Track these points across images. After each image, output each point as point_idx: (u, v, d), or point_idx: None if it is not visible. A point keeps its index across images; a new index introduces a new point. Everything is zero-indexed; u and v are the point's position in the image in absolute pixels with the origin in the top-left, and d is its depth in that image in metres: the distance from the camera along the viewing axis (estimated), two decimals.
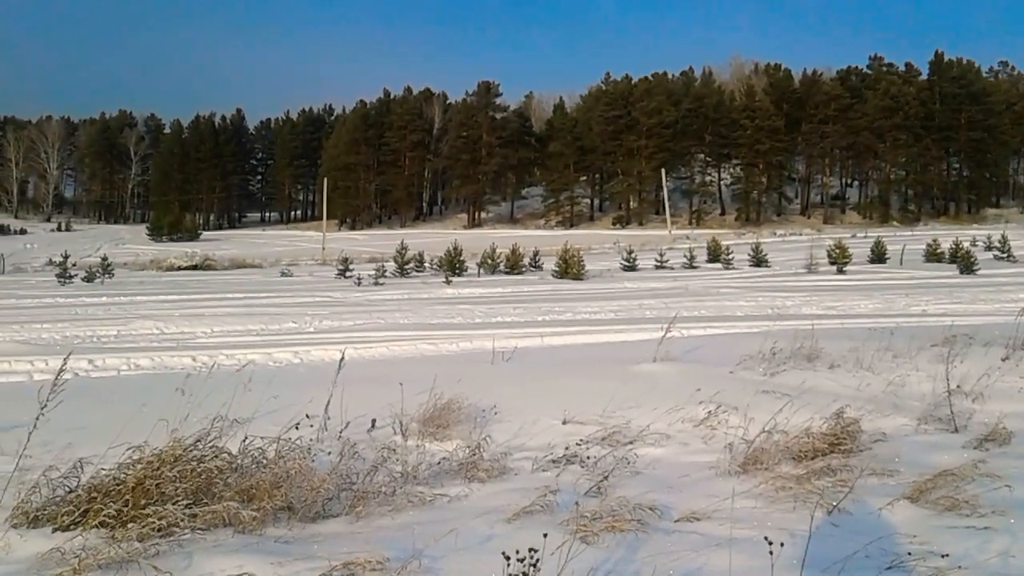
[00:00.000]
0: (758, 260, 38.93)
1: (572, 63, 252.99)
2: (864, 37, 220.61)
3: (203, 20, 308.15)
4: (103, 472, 4.19)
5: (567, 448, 5.63)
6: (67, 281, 32.09)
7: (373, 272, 32.82)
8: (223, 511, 4.00)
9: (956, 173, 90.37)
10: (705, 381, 7.21)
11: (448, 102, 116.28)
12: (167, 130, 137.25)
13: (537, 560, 2.69)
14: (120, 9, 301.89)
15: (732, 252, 40.51)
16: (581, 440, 5.80)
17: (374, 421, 6.07)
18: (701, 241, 52.62)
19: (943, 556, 3.62)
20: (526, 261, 39.14)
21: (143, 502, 3.93)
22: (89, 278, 33.60)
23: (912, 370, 8.13)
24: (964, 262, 31.50)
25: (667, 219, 78.88)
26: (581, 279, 31.67)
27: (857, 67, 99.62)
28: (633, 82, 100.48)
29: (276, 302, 21.82)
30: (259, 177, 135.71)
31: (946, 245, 38.66)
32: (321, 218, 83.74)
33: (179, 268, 46.56)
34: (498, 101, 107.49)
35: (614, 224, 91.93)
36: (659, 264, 38.63)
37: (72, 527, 3.91)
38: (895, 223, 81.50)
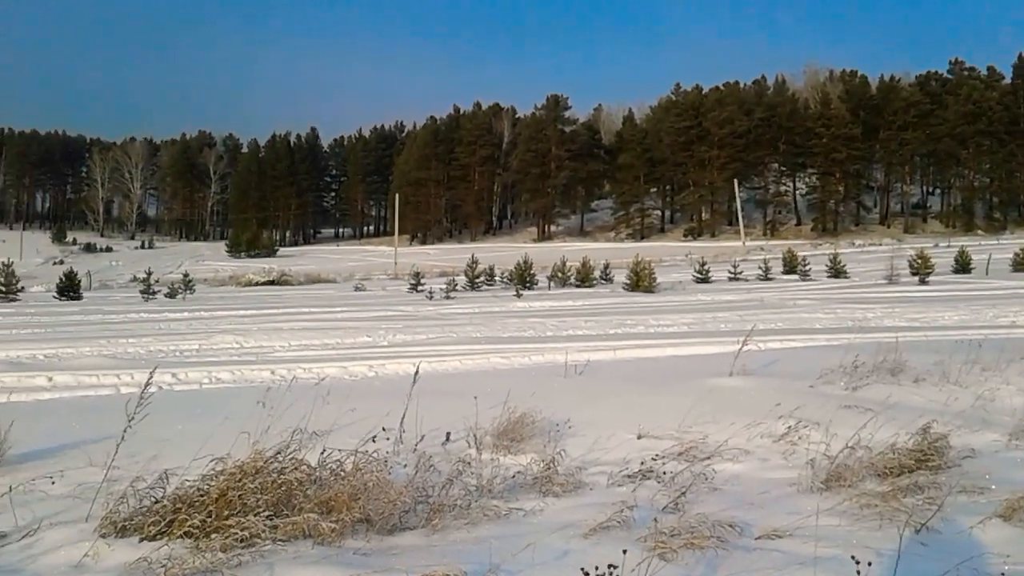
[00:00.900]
0: (836, 271, 38.04)
1: (641, 74, 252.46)
2: (944, 41, 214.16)
3: (278, 42, 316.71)
4: (187, 483, 4.29)
5: (642, 463, 5.55)
6: (151, 297, 33.21)
7: (444, 286, 33.11)
8: (303, 522, 4.05)
9: None
10: (784, 395, 7.05)
11: (517, 116, 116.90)
12: (245, 149, 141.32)
13: None
14: (199, 34, 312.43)
15: (809, 263, 39.70)
16: (657, 455, 5.72)
17: (449, 434, 6.09)
18: (776, 252, 51.68)
19: None
20: (597, 274, 38.97)
21: (226, 513, 4.01)
22: (171, 294, 34.71)
23: (1002, 384, 7.83)
24: None
25: (740, 230, 77.77)
26: (653, 292, 31.40)
27: (937, 72, 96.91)
28: (704, 92, 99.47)
29: (351, 316, 22.16)
30: (333, 194, 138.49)
31: None
32: (393, 233, 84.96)
33: (257, 283, 47.76)
34: (567, 114, 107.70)
35: (686, 236, 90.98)
36: (733, 276, 38.06)
37: (158, 537, 4.01)
38: (980, 232, 78.70)
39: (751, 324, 14.41)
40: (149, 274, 36.18)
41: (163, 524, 4.05)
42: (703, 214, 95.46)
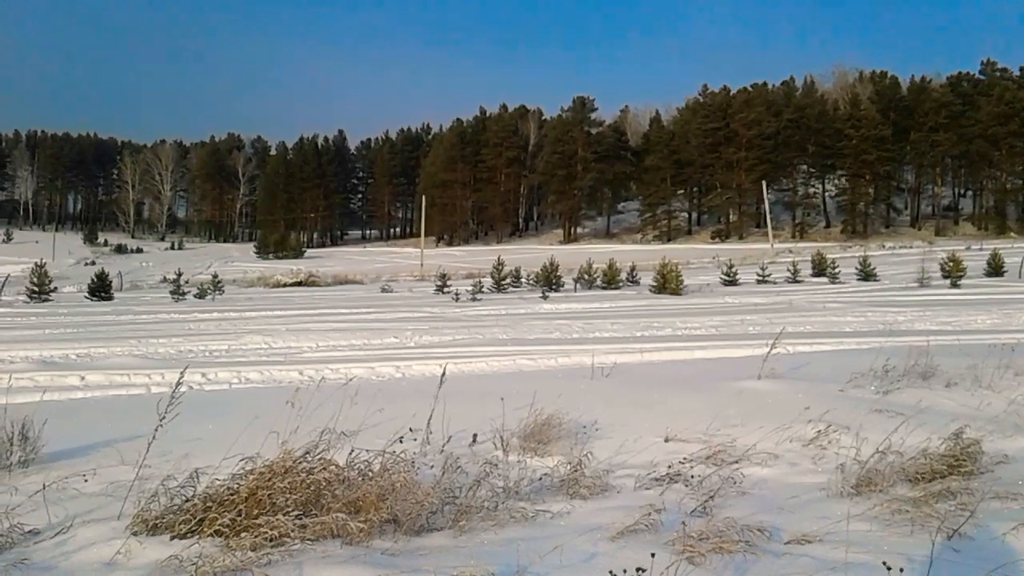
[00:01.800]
0: (866, 274, 37.66)
1: (668, 75, 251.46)
2: (976, 42, 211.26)
3: (305, 45, 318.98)
4: (218, 482, 4.33)
5: (670, 466, 5.52)
6: (180, 298, 33.58)
7: (470, 288, 33.17)
8: (332, 522, 4.07)
9: None
10: (814, 399, 6.99)
11: (543, 118, 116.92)
12: (273, 151, 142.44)
13: None
14: (227, 38, 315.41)
15: (838, 266, 39.34)
16: (685, 458, 5.69)
17: (475, 436, 6.10)
18: (805, 255, 51.28)
19: None
20: (623, 276, 38.89)
21: (256, 512, 4.04)
22: (201, 295, 35.07)
23: None
24: None
25: (769, 232, 77.19)
26: (680, 294, 31.26)
27: (969, 72, 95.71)
28: (731, 93, 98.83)
29: (378, 317, 22.27)
30: (360, 195, 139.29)
31: None
32: (419, 235, 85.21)
33: (285, 285, 48.13)
34: (593, 116, 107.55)
35: (713, 238, 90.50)
36: (761, 278, 37.81)
37: (189, 535, 4.05)
38: (1012, 234, 77.46)
39: (779, 327, 14.31)
40: (179, 275, 36.61)
41: (194, 523, 4.09)
42: (730, 216, 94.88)
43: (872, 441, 5.64)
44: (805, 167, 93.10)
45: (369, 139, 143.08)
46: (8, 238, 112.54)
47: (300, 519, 4.04)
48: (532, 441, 6.05)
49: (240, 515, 4.03)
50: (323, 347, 15.67)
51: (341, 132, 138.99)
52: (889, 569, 2.85)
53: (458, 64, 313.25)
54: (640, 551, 3.84)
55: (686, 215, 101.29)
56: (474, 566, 3.64)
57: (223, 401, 8.84)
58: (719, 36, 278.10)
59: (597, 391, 8.41)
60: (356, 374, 11.41)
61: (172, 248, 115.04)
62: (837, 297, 27.72)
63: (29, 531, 4.20)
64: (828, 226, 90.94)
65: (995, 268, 37.36)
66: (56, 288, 36.53)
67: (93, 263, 75.81)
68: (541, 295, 32.00)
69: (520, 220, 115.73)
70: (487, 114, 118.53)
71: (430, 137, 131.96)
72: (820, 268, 40.77)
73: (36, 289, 33.77)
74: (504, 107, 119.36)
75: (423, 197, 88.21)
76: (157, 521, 4.19)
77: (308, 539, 4.01)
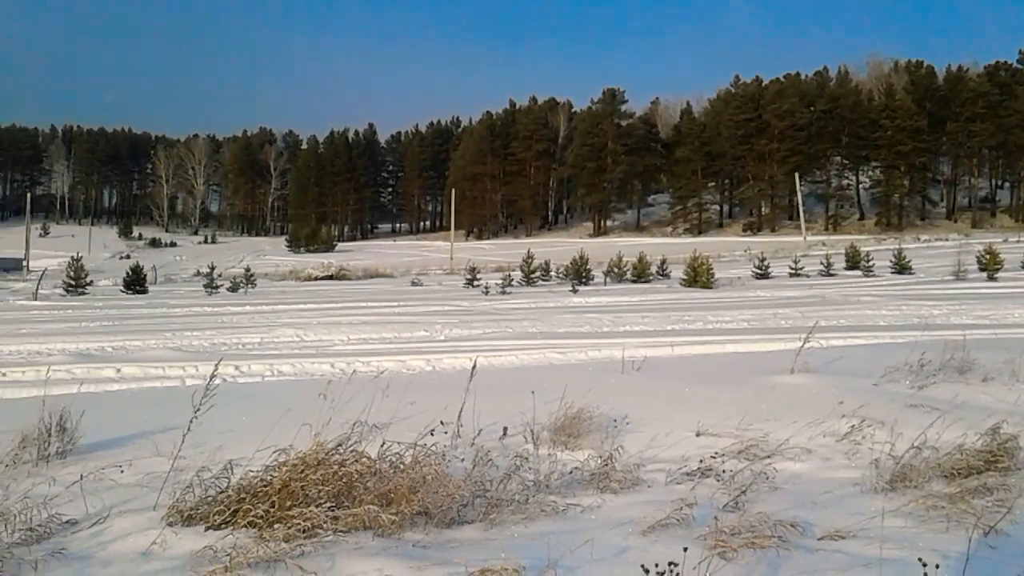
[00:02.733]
0: (901, 267, 37.18)
1: (700, 66, 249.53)
2: (1013, 31, 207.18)
3: (336, 39, 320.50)
4: (251, 474, 4.37)
5: (701, 461, 5.49)
6: (213, 291, 33.99)
7: (500, 281, 33.20)
8: (363, 514, 4.10)
9: None
10: (847, 394, 6.91)
11: (573, 110, 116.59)
12: (304, 146, 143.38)
13: (677, 574, 2.62)
14: (260, 33, 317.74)
15: (872, 259, 38.90)
16: (716, 453, 5.65)
17: (506, 429, 6.10)
18: (838, 247, 50.70)
19: None
20: (653, 269, 38.74)
21: (289, 504, 4.07)
22: (234, 288, 35.47)
23: None
24: None
25: (801, 225, 76.44)
26: (711, 287, 31.08)
27: (1006, 62, 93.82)
28: (764, 84, 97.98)
29: (408, 311, 22.37)
30: (390, 189, 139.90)
31: None
32: (449, 228, 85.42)
33: (316, 278, 48.53)
34: (624, 108, 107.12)
35: (744, 231, 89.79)
36: (794, 272, 37.48)
37: (223, 526, 4.09)
38: None
39: (812, 321, 14.15)
40: (212, 269, 37.04)
41: (228, 514, 4.13)
42: (762, 209, 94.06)
43: (907, 436, 5.57)
44: (839, 158, 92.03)
45: (399, 132, 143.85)
46: (45, 232, 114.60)
47: (332, 511, 4.06)
48: (562, 435, 6.03)
49: (273, 506, 4.06)
50: (354, 340, 15.76)
51: (371, 126, 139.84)
52: (924, 566, 2.81)
53: (487, 57, 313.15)
54: (672, 545, 3.82)
55: (717, 208, 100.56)
56: (505, 559, 3.64)
57: (256, 393, 8.92)
58: (751, 26, 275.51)
59: (628, 385, 8.38)
60: (387, 367, 11.45)
61: (205, 242, 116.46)
62: (871, 290, 27.40)
63: (67, 521, 4.27)
64: (862, 218, 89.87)
65: None
66: (92, 281, 37.10)
67: (128, 257, 76.98)
68: (571, 288, 31.95)
69: (549, 213, 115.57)
70: (517, 107, 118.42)
71: (460, 130, 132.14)
72: (854, 261, 40.32)
73: (73, 282, 34.33)
74: (534, 99, 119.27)
75: (452, 190, 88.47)
76: (192, 512, 4.24)
77: (340, 531, 4.04)
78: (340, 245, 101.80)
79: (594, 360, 12.44)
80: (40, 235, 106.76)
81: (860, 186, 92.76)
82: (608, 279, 37.53)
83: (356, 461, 4.45)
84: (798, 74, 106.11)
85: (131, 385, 10.60)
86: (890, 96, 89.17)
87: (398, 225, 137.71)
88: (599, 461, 5.33)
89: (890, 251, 41.48)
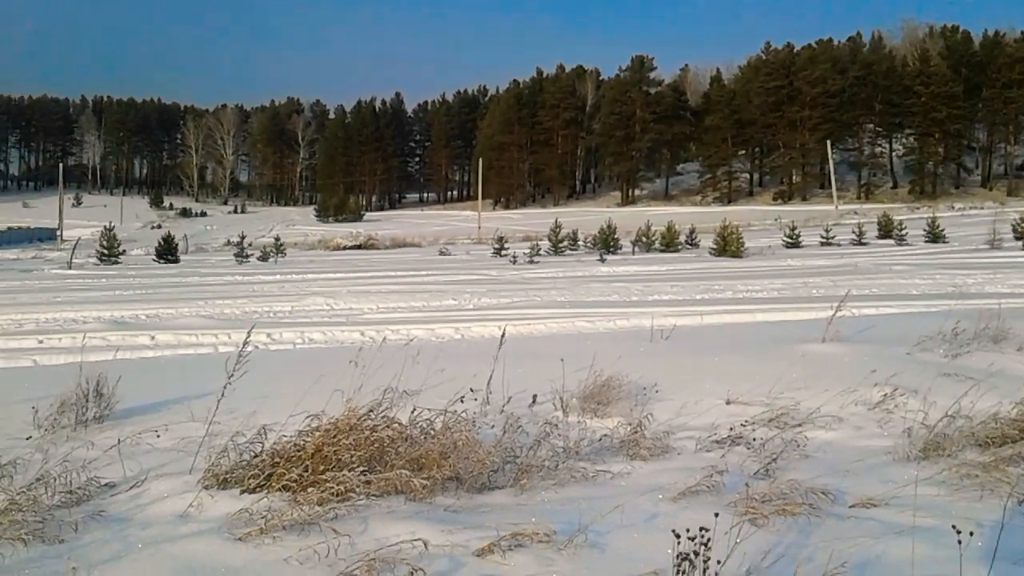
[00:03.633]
0: (934, 236, 36.64)
1: (730, 33, 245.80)
2: None
3: (364, 7, 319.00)
4: (284, 439, 4.42)
5: (731, 429, 5.48)
6: (244, 260, 34.30)
7: (528, 250, 33.16)
8: (395, 479, 4.14)
9: None
10: (880, 363, 6.85)
11: (601, 79, 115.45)
12: (331, 115, 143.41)
13: (708, 539, 2.63)
14: (288, 1, 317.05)
15: (905, 227, 38.30)
16: (746, 421, 5.64)
17: (535, 396, 6.12)
18: (871, 216, 50.06)
19: None
20: (682, 239, 38.48)
21: (322, 468, 4.12)
22: (264, 257, 35.75)
23: None
24: None
25: (833, 193, 75.44)
26: (740, 256, 30.84)
27: None
28: (795, 50, 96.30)
29: (436, 280, 22.44)
30: (417, 159, 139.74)
31: None
32: (476, 198, 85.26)
33: (345, 248, 48.77)
34: (652, 75, 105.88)
35: (775, 199, 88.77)
36: (825, 241, 37.08)
37: (258, 490, 4.15)
38: None
39: (844, 290, 14.02)
40: (242, 238, 37.33)
41: (262, 477, 4.19)
42: (793, 177, 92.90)
43: (940, 405, 5.52)
44: (871, 126, 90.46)
45: (426, 102, 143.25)
46: (78, 202, 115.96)
47: (365, 475, 4.11)
48: (592, 402, 6.05)
49: (307, 471, 4.11)
50: (383, 309, 15.85)
51: (398, 95, 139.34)
52: (959, 533, 2.79)
53: (515, 25, 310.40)
54: (702, 512, 3.83)
55: (747, 176, 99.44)
56: (535, 524, 3.67)
57: (288, 360, 9.02)
58: None
59: (657, 353, 8.37)
60: (416, 335, 11.53)
61: (235, 212, 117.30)
62: (904, 259, 27.05)
63: (105, 484, 4.35)
64: (895, 187, 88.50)
65: None
66: (125, 251, 37.57)
67: (159, 226, 77.78)
68: (599, 258, 31.86)
69: (577, 182, 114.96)
70: (544, 75, 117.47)
71: (487, 99, 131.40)
72: (886, 230, 39.78)
73: (106, 252, 34.80)
74: (561, 67, 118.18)
75: (480, 160, 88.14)
76: (227, 476, 4.30)
77: (373, 495, 4.09)
78: (368, 215, 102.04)
79: (623, 329, 12.43)
80: (73, 205, 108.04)
81: (893, 154, 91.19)
82: (636, 248, 37.35)
83: (387, 427, 4.49)
84: (830, 40, 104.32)
85: (165, 352, 10.76)
86: (925, 62, 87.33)
87: (425, 195, 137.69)
88: (628, 428, 5.34)
89: (923, 220, 40.77)
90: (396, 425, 4.54)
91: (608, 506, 3.90)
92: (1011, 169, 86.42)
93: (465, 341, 11.45)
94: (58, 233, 67.37)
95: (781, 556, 3.42)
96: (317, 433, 4.32)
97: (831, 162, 77.95)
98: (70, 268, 30.77)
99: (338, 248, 49.27)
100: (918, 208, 65.68)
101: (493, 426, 5.12)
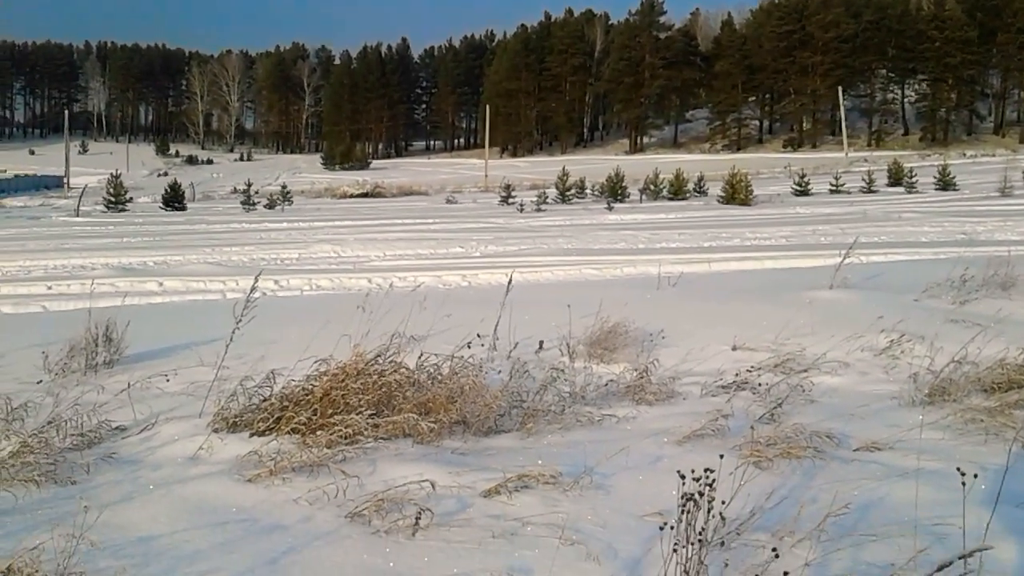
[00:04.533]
0: (945, 183, 36.32)
1: None
2: None
3: None
4: (293, 383, 4.46)
5: (737, 374, 5.49)
6: (251, 208, 34.27)
7: (535, 199, 33.05)
8: (403, 422, 4.18)
9: None
10: (887, 309, 6.84)
11: (610, 23, 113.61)
12: (337, 62, 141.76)
13: (713, 480, 2.65)
14: None
15: (916, 175, 37.96)
16: (752, 367, 5.64)
17: (542, 343, 6.14)
18: (881, 164, 49.60)
19: None
20: (690, 186, 38.25)
21: (330, 411, 4.16)
22: (271, 205, 35.69)
23: None
24: None
25: (844, 140, 74.67)
26: (749, 204, 30.67)
27: None
28: None
29: (443, 228, 22.39)
30: (424, 106, 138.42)
31: None
32: (483, 145, 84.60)
33: (352, 196, 48.64)
34: (662, 20, 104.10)
35: (785, 147, 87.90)
36: (834, 188, 36.82)
37: (267, 433, 4.20)
38: None
39: (853, 237, 13.94)
40: (249, 186, 37.25)
41: (271, 421, 4.23)
42: (804, 124, 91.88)
43: (947, 351, 5.52)
44: (884, 72, 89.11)
45: (432, 47, 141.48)
46: (84, 149, 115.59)
47: (373, 419, 4.15)
48: (598, 348, 6.07)
49: (315, 414, 4.15)
50: (390, 256, 15.86)
51: (404, 40, 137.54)
52: (963, 475, 2.81)
53: None
54: (707, 455, 3.85)
55: (757, 123, 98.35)
56: (542, 466, 3.71)
57: (295, 306, 9.05)
58: None
59: (663, 300, 8.37)
60: (423, 282, 11.54)
61: (241, 159, 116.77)
62: (914, 207, 26.85)
63: (116, 427, 4.40)
64: (906, 134, 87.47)
65: None
66: (131, 198, 37.55)
67: (166, 174, 77.53)
68: (606, 206, 31.72)
69: (585, 130, 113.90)
70: (552, 19, 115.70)
71: (494, 44, 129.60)
72: (897, 177, 39.43)
73: (113, 199, 34.80)
74: (570, 12, 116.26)
75: (487, 107, 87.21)
76: (236, 419, 4.35)
77: (381, 438, 4.13)
78: (375, 163, 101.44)
79: (630, 276, 12.42)
80: (79, 152, 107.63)
81: (905, 100, 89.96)
82: (644, 196, 37.14)
83: (395, 371, 4.52)
84: None
85: (173, 298, 10.81)
86: (939, 6, 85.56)
87: (432, 142, 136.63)
88: (634, 374, 5.36)
89: (934, 167, 40.34)
90: (403, 370, 4.57)
91: (613, 449, 3.93)
92: None
93: (472, 288, 11.47)
94: (65, 181, 67.18)
95: (785, 497, 3.45)
96: (325, 377, 4.35)
97: (842, 109, 76.98)
98: (77, 215, 30.77)
99: (344, 196, 49.13)
100: (929, 156, 64.94)
101: (500, 371, 5.15)
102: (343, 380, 4.28)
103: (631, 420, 4.72)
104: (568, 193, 37.75)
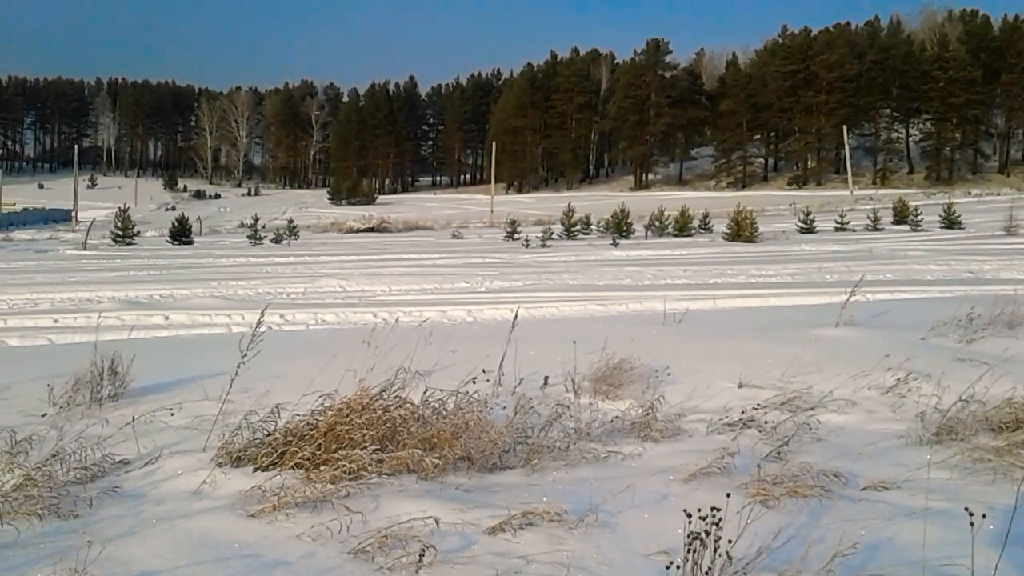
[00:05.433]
0: (950, 222, 36.33)
1: (746, 17, 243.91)
2: None
3: None
4: (298, 417, 4.45)
5: (743, 412, 5.47)
6: (257, 242, 34.40)
7: (540, 234, 33.12)
8: (407, 458, 4.16)
9: None
10: (893, 347, 6.82)
11: (616, 62, 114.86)
12: (345, 98, 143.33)
13: (720, 519, 2.63)
14: None
15: (921, 213, 38.01)
16: (758, 404, 5.62)
17: (547, 378, 6.13)
18: (886, 202, 49.73)
19: None
20: (695, 223, 38.33)
21: (334, 447, 4.14)
22: (277, 239, 35.84)
23: None
24: None
25: (848, 179, 74.91)
26: (754, 241, 30.70)
27: None
28: (812, 34, 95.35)
29: (448, 263, 22.45)
30: (430, 142, 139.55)
31: None
32: (489, 181, 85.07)
33: (358, 230, 48.85)
34: (667, 59, 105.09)
35: (790, 184, 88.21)
36: (839, 226, 36.85)
37: (271, 467, 4.18)
38: None
39: (858, 275, 13.94)
40: (256, 220, 37.42)
41: (275, 455, 4.21)
42: (808, 162, 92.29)
43: (954, 390, 5.49)
44: (888, 111, 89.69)
45: (439, 85, 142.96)
46: (93, 184, 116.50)
47: (377, 454, 4.13)
48: (603, 384, 6.05)
49: (319, 449, 4.14)
50: (396, 291, 15.89)
51: (412, 78, 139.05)
52: (971, 515, 2.79)
53: (529, 8, 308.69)
54: (713, 493, 3.83)
55: (762, 161, 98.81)
56: (547, 503, 3.69)
57: (301, 341, 9.05)
58: None
59: (669, 337, 8.35)
60: (429, 317, 11.53)
61: (248, 194, 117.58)
62: (919, 245, 26.87)
63: (120, 461, 4.39)
64: (911, 172, 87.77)
65: None
66: (139, 232, 37.69)
67: (173, 208, 77.93)
68: (611, 242, 31.78)
69: (590, 167, 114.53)
70: (558, 59, 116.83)
71: (500, 83, 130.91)
72: (902, 216, 39.49)
73: (120, 233, 34.95)
74: (576, 51, 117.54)
75: (493, 143, 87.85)
76: (240, 454, 4.33)
77: (385, 473, 4.11)
78: (381, 198, 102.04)
79: (635, 312, 12.41)
80: (88, 187, 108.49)
81: (910, 139, 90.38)
82: (649, 233, 37.22)
83: (400, 406, 4.51)
84: (848, 24, 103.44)
85: (179, 332, 10.82)
86: (943, 46, 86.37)
87: (438, 178, 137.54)
88: (640, 411, 5.34)
89: (939, 206, 40.41)
90: (408, 405, 4.56)
91: (619, 486, 3.90)
92: None
93: (477, 323, 11.46)
94: (73, 214, 67.68)
95: (792, 537, 3.42)
96: (330, 412, 4.34)
97: (847, 147, 77.32)
98: (85, 249, 30.93)
99: (351, 231, 49.35)
100: (934, 194, 65.12)
101: (505, 407, 5.13)
102: (347, 415, 4.27)
103: (637, 457, 4.69)
104: (573, 229, 37.86)
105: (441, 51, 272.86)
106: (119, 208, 37.24)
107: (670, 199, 56.34)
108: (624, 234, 35.98)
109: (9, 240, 41.49)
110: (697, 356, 7.12)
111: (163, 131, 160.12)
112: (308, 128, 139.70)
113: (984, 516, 3.09)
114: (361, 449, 4.08)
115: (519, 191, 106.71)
